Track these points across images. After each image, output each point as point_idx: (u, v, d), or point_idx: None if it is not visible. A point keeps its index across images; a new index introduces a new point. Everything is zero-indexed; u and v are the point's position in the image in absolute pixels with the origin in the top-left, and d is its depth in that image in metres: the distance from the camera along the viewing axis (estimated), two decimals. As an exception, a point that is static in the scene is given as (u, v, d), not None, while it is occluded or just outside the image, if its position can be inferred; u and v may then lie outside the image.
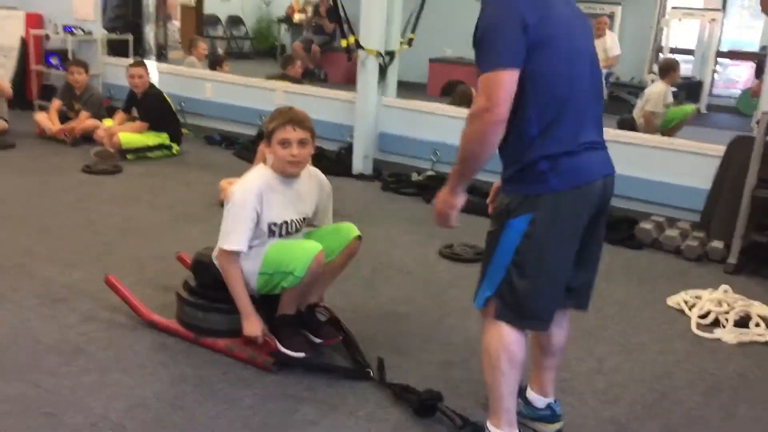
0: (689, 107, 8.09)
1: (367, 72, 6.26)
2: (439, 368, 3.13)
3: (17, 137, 6.89)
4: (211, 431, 2.59)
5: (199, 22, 13.16)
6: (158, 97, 6.66)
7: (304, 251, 2.93)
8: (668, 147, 5.31)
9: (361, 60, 6.24)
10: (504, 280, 2.28)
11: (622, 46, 10.25)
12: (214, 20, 13.84)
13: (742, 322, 3.69)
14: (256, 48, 14.27)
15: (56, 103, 7.13)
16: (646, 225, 4.89)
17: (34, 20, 8.53)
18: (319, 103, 6.69)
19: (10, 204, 5.07)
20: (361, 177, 6.29)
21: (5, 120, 7.06)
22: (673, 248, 4.77)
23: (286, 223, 3.09)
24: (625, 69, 10.73)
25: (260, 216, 2.99)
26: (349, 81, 10.85)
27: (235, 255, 2.97)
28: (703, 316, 3.74)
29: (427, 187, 5.86)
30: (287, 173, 3.05)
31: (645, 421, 2.83)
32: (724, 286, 3.94)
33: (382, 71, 6.30)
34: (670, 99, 7.32)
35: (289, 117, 3.00)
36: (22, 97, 8.29)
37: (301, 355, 3.00)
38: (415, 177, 6.12)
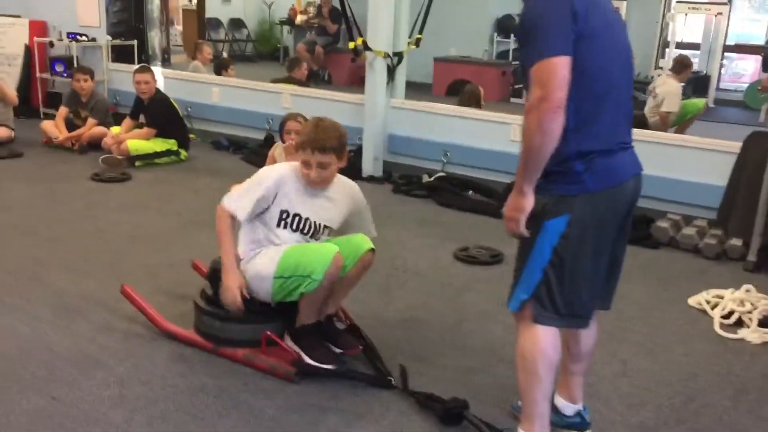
0: (701, 102, 8.03)
1: (376, 73, 6.21)
2: (461, 374, 3.09)
3: (24, 146, 6.86)
4: (235, 444, 2.56)
5: (200, 25, 13.12)
6: (165, 103, 6.61)
7: (321, 254, 2.88)
8: (682, 144, 5.27)
9: (369, 61, 6.20)
10: (541, 282, 2.25)
11: (628, 42, 10.17)
12: (216, 23, 13.80)
13: (766, 321, 3.63)
14: (259, 51, 14.22)
15: (62, 111, 7.09)
16: (663, 223, 4.84)
17: (38, 28, 8.51)
18: (327, 105, 6.64)
19: (19, 213, 5.04)
20: (371, 179, 6.24)
21: (11, 128, 7.03)
22: (691, 247, 4.72)
23: (299, 217, 3.03)
24: (632, 64, 10.65)
25: (274, 200, 2.98)
26: (353, 82, 10.86)
27: (230, 218, 2.99)
28: (726, 316, 3.69)
29: (438, 189, 5.82)
30: (309, 185, 3.05)
31: (674, 426, 2.78)
32: (746, 286, 3.89)
33: (390, 72, 6.26)
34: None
35: (313, 139, 2.92)
36: (27, 105, 8.27)
37: (331, 366, 2.96)
38: (425, 179, 6.07)
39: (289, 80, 7.77)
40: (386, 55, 6.14)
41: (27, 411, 2.68)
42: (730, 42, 11.98)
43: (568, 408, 2.61)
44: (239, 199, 2.99)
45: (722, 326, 3.64)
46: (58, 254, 4.25)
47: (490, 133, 5.95)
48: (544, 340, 2.29)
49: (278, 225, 3.03)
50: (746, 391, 3.06)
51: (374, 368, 3.05)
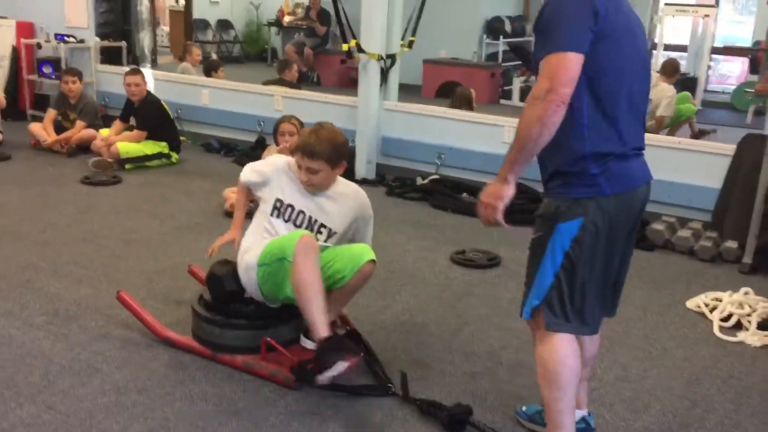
0: (692, 105, 8.07)
1: (369, 76, 6.17)
2: (462, 380, 3.06)
3: (12, 148, 6.76)
4: (237, 453, 2.52)
5: (188, 26, 13.04)
6: (156, 105, 6.54)
7: (290, 236, 2.93)
8: (677, 146, 5.26)
9: (362, 64, 6.16)
10: (552, 287, 2.22)
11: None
12: (204, 24, 13.73)
13: (765, 324, 3.63)
14: (246, 52, 14.16)
15: (51, 113, 6.99)
16: (658, 226, 4.84)
17: (26, 29, 8.40)
18: (319, 108, 6.60)
19: (9, 217, 4.96)
20: (364, 182, 6.20)
21: (-1, 131, 6.95)
22: (686, 249, 4.72)
23: (292, 207, 3.09)
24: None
25: (272, 184, 3.14)
26: (342, 84, 10.83)
27: (245, 187, 3.30)
28: (725, 319, 3.69)
29: (432, 192, 5.79)
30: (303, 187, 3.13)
31: (678, 431, 2.77)
32: (744, 288, 3.89)
33: (384, 75, 6.23)
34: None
35: (303, 143, 3.05)
36: (14, 108, 8.15)
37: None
38: (419, 181, 6.04)
39: (279, 82, 7.72)
40: (380, 58, 6.11)
41: (21, 419, 2.63)
42: (717, 44, 12.04)
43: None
44: (247, 169, 3.29)
45: (721, 329, 3.64)
46: (51, 259, 4.19)
47: (484, 136, 5.94)
48: (563, 347, 2.25)
49: (272, 213, 3.11)
50: (748, 395, 3.05)
51: (374, 375, 3.02)
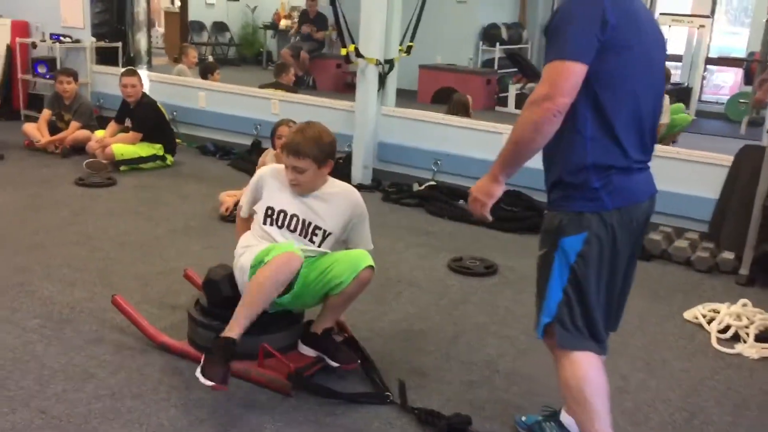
0: (686, 115, 8.09)
1: (367, 81, 6.15)
2: (460, 388, 3.05)
3: (5, 148, 6.69)
4: (234, 461, 2.49)
5: (183, 28, 13.00)
6: (152, 107, 6.50)
7: (283, 246, 2.90)
8: (674, 156, 5.26)
9: (360, 69, 6.14)
10: (562, 303, 2.20)
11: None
12: (199, 26, 13.68)
13: (763, 336, 3.63)
14: (242, 54, 14.12)
15: (45, 114, 6.94)
16: (655, 236, 4.83)
17: (21, 28, 8.34)
18: (316, 112, 6.56)
19: (2, 219, 4.91)
20: (360, 187, 6.15)
21: (-8, 131, 6.89)
22: (683, 260, 4.71)
23: (284, 213, 3.05)
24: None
25: (261, 194, 3.13)
26: (337, 88, 10.81)
27: (242, 220, 3.30)
28: (723, 331, 3.68)
29: (429, 198, 5.78)
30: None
31: (678, 442, 2.76)
32: (742, 300, 3.88)
33: (381, 80, 6.21)
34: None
35: (289, 142, 3.03)
36: (8, 107, 8.10)
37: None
38: (416, 187, 6.02)
39: (276, 85, 7.70)
40: (378, 63, 6.09)
41: (14, 425, 2.60)
42: (712, 54, 12.08)
43: (575, 426, 2.56)
44: (243, 202, 3.28)
45: (719, 341, 3.63)
46: (44, 262, 4.14)
47: (481, 142, 5.92)
48: (585, 365, 2.21)
49: (264, 222, 3.07)
50: (747, 407, 3.04)
51: (372, 383, 3.00)
